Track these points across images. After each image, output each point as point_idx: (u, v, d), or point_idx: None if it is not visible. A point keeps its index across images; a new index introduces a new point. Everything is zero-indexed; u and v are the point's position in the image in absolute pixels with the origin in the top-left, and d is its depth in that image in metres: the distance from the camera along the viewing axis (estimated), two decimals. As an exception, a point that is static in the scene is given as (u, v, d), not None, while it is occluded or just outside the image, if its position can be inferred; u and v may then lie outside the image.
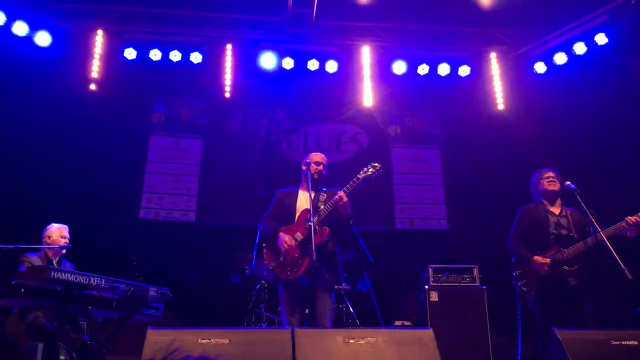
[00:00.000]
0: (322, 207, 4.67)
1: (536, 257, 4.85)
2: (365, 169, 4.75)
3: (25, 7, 7.41)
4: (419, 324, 6.63)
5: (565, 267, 4.79)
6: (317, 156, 5.01)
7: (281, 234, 4.69)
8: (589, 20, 7.71)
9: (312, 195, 4.67)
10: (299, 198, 4.90)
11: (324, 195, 4.82)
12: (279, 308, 4.92)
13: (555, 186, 5.07)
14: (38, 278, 3.77)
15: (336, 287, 5.54)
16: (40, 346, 4.87)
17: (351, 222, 4.79)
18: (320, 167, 4.90)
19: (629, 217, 4.69)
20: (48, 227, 5.52)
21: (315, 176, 4.84)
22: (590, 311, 4.74)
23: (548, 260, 4.80)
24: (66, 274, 3.90)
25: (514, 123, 8.19)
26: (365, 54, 8.30)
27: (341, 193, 4.58)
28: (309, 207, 4.64)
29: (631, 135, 7.41)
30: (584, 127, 7.85)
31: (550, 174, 5.17)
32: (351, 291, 6.82)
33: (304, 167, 4.97)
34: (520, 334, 5.22)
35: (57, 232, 5.45)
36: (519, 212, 5.24)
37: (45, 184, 7.53)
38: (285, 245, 4.60)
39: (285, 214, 4.87)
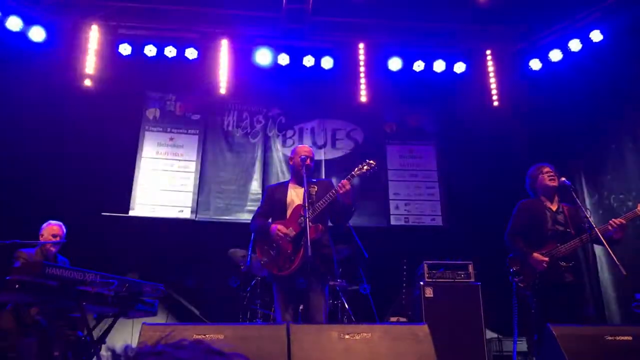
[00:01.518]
0: (315, 199, 4.66)
1: (535, 255, 4.86)
2: (360, 166, 4.74)
3: (19, 2, 7.37)
4: (414, 319, 6.65)
5: (562, 263, 4.81)
6: (303, 149, 4.99)
7: (273, 225, 4.67)
8: (584, 17, 7.73)
9: (304, 185, 4.64)
10: (289, 192, 4.89)
11: (314, 188, 4.79)
12: (273, 304, 4.92)
13: (555, 182, 5.07)
14: (33, 274, 3.75)
15: (331, 283, 5.55)
16: (35, 342, 4.87)
17: (353, 210, 4.80)
18: (307, 161, 4.86)
19: (613, 219, 4.72)
20: (44, 224, 5.54)
21: (303, 170, 4.80)
22: (591, 311, 4.77)
23: (547, 258, 4.81)
24: (61, 270, 3.89)
25: (509, 120, 8.21)
26: (361, 51, 8.30)
27: (344, 181, 4.56)
28: (301, 202, 4.64)
29: (626, 132, 7.43)
30: (579, 124, 7.87)
31: (549, 168, 5.16)
32: (346, 287, 6.82)
33: (291, 162, 5.01)
34: (516, 330, 5.24)
35: (48, 231, 5.48)
36: (516, 207, 5.24)
37: (39, 180, 7.49)
38: (279, 233, 4.58)
39: (277, 210, 4.86)
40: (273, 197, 4.95)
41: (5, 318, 4.93)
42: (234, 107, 8.92)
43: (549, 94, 8.18)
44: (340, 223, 4.97)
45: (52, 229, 5.49)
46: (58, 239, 5.44)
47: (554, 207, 5.08)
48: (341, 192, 4.56)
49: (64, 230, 5.59)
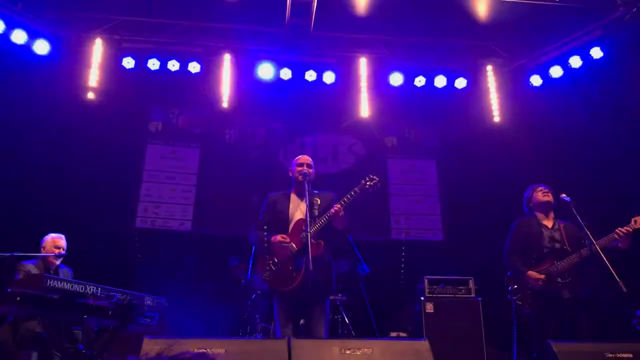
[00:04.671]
0: (317, 212, 4.63)
1: (531, 272, 4.88)
2: (363, 181, 4.68)
3: (24, 15, 7.43)
4: (415, 335, 6.63)
5: (559, 280, 4.82)
6: (300, 159, 4.96)
7: (273, 237, 4.61)
8: (585, 34, 7.78)
9: (306, 200, 4.57)
10: (291, 204, 4.83)
11: (317, 200, 4.73)
12: (274, 319, 4.88)
13: (549, 197, 5.12)
14: (34, 286, 3.76)
15: (331, 297, 5.52)
16: (35, 354, 4.86)
17: (346, 234, 4.76)
18: (304, 167, 4.81)
19: (619, 228, 4.74)
20: (45, 237, 5.55)
21: (300, 178, 4.76)
22: (585, 322, 4.76)
23: (543, 276, 4.83)
24: (62, 283, 3.89)
25: (510, 135, 8.23)
26: (363, 66, 8.34)
27: (338, 206, 4.51)
28: (303, 216, 4.61)
29: (625, 148, 7.45)
30: (579, 140, 7.90)
31: (542, 187, 5.23)
32: (346, 301, 6.81)
33: (290, 173, 4.98)
34: (515, 347, 5.23)
35: (51, 243, 5.49)
36: (513, 226, 5.28)
37: (42, 192, 7.51)
38: (283, 243, 4.53)
39: (277, 221, 4.79)
40: (274, 208, 4.87)
41: (4, 331, 4.93)
42: (236, 121, 8.95)
43: (550, 110, 8.22)
44: (336, 244, 4.92)
45: (55, 241, 5.51)
46: (61, 250, 5.45)
47: (549, 224, 5.11)
48: (334, 219, 4.52)
49: (65, 242, 5.60)
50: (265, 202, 4.99)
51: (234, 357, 3.30)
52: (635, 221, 4.73)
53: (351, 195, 4.59)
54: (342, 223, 4.59)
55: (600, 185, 7.46)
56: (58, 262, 5.50)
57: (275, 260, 4.58)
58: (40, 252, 5.42)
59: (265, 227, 4.83)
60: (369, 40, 8.42)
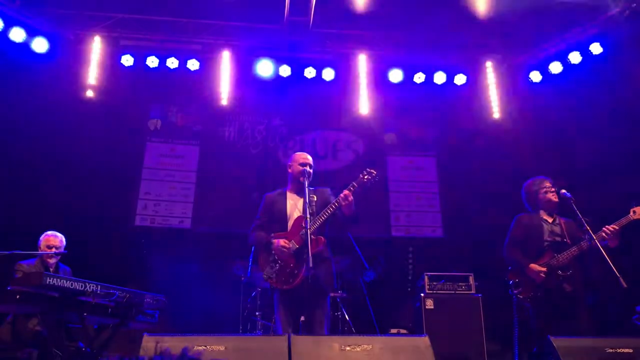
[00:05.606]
0: (315, 209, 4.60)
1: (532, 265, 4.87)
2: (360, 175, 4.64)
3: (22, 13, 7.42)
4: (415, 331, 6.63)
5: (560, 273, 4.81)
6: (301, 156, 4.90)
7: (275, 240, 4.58)
8: (584, 30, 7.78)
9: (305, 198, 4.50)
10: (288, 202, 4.80)
11: (314, 197, 4.67)
12: (274, 316, 4.87)
13: (556, 197, 5.09)
14: (33, 284, 3.74)
15: (332, 294, 5.51)
16: (35, 353, 4.85)
17: (357, 219, 4.72)
18: (307, 167, 4.76)
19: (606, 226, 4.72)
20: (42, 235, 5.54)
21: (301, 178, 4.69)
22: (586, 317, 4.76)
23: (544, 269, 4.83)
24: (62, 281, 3.87)
25: (510, 131, 8.22)
26: (362, 62, 8.33)
27: (347, 191, 4.49)
28: (301, 213, 4.59)
29: (624, 143, 7.45)
30: (579, 136, 7.89)
31: (548, 183, 5.19)
32: (347, 298, 6.81)
33: (289, 169, 4.92)
34: (517, 342, 5.23)
35: (45, 242, 5.49)
36: (514, 221, 5.27)
37: (41, 191, 7.50)
38: (284, 249, 4.50)
39: (276, 220, 4.77)
40: (272, 207, 4.84)
41: (4, 329, 4.92)
42: (235, 118, 8.95)
43: (549, 106, 8.21)
44: (342, 233, 4.91)
45: (49, 240, 5.49)
46: (54, 249, 5.43)
47: (549, 219, 5.11)
48: (344, 204, 4.48)
49: (63, 241, 5.58)
50: (262, 203, 4.96)
51: (234, 354, 3.30)
52: (634, 212, 4.71)
53: (353, 186, 4.57)
54: (350, 208, 4.55)
55: (600, 180, 7.45)
56: (53, 261, 5.47)
57: (276, 258, 4.57)
58: (38, 251, 5.41)
59: (264, 228, 4.82)
60: (369, 37, 8.41)
